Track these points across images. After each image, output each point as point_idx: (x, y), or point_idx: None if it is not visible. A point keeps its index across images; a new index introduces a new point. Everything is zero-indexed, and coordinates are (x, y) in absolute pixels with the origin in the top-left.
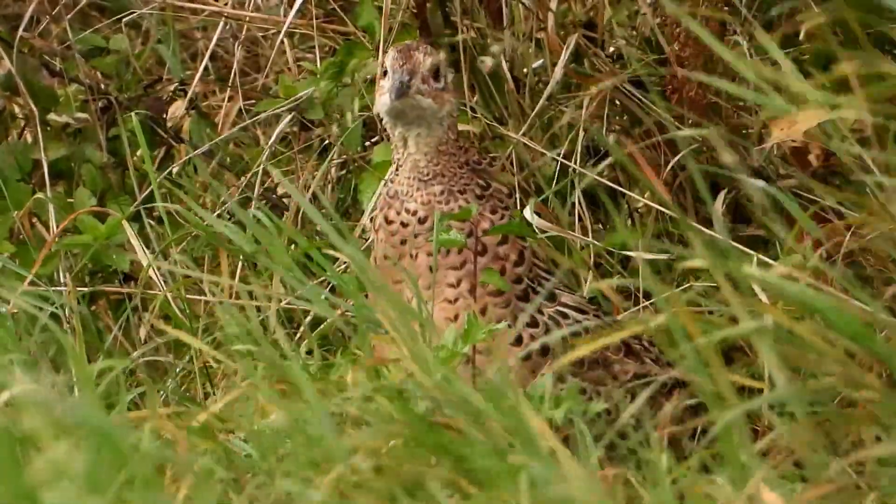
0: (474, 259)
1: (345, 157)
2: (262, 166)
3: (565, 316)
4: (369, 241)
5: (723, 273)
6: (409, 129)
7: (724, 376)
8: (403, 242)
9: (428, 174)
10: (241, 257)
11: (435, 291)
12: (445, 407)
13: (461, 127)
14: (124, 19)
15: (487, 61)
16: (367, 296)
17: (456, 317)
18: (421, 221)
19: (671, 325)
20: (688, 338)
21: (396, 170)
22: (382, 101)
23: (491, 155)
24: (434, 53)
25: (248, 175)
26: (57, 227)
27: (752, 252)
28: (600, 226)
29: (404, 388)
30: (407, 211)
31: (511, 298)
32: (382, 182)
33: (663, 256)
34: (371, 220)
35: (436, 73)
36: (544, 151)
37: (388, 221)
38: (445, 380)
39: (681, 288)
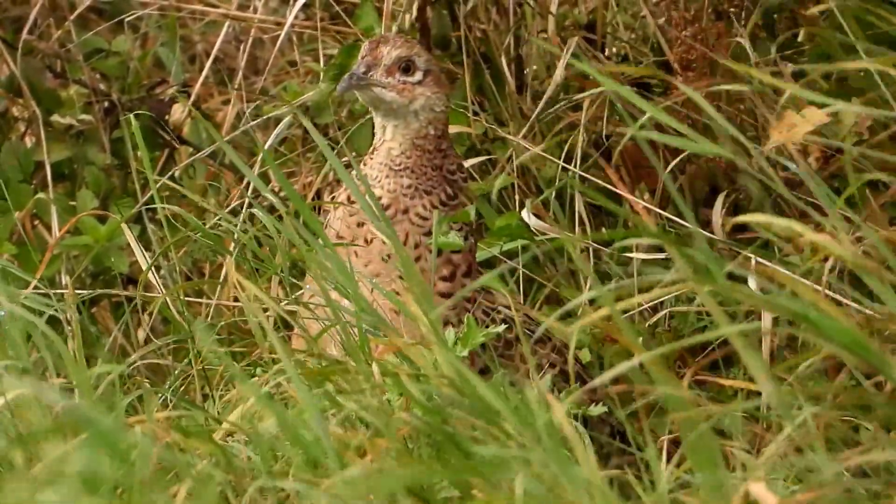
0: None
1: (346, 158)
2: (261, 169)
3: (498, 311)
4: (327, 218)
5: (705, 287)
6: (388, 119)
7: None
8: (360, 225)
9: (399, 165)
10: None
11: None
12: (458, 404)
13: (458, 129)
14: (124, 22)
15: None
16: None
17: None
18: (384, 209)
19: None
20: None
21: (372, 153)
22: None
23: (489, 156)
24: (405, 46)
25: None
26: (59, 228)
27: (750, 255)
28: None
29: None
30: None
31: (460, 302)
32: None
33: (661, 256)
34: (332, 197)
35: (406, 67)
36: (545, 155)
37: (351, 201)
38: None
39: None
